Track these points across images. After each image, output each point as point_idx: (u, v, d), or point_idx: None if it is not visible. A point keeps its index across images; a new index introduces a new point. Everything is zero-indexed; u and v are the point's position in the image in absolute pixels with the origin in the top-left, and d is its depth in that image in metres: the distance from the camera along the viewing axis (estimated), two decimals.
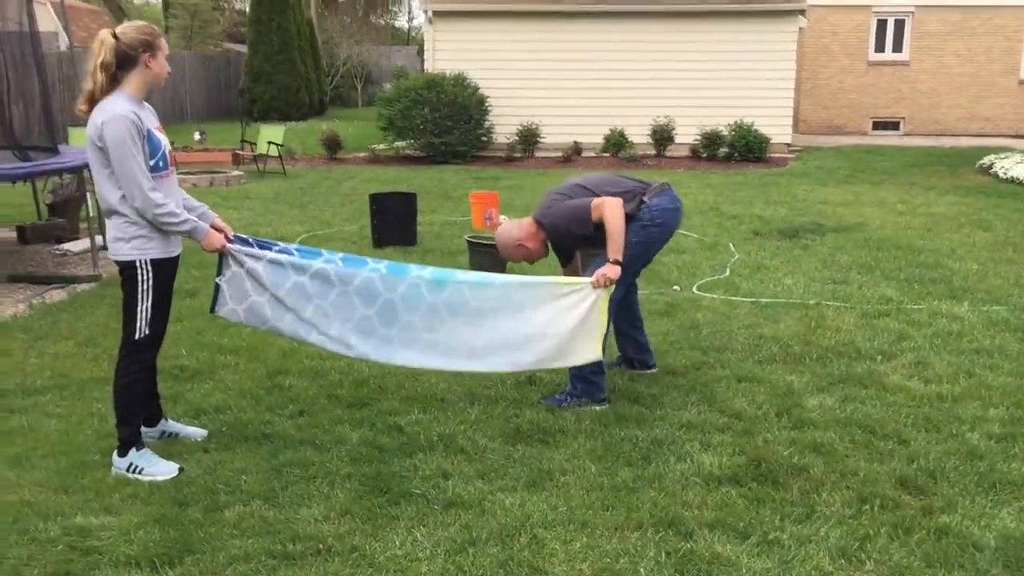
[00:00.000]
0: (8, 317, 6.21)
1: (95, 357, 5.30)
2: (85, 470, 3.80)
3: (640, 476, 3.76)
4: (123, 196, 3.65)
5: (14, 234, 9.16)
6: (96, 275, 7.33)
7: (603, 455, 3.98)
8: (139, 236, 3.70)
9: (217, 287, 4.05)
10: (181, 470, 3.77)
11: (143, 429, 4.10)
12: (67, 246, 8.54)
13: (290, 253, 4.16)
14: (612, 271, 4.28)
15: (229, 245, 3.97)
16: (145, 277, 3.73)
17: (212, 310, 4.13)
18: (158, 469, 3.76)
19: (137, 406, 3.88)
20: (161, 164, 3.72)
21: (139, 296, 3.74)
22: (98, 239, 7.77)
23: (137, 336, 3.77)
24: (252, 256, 4.04)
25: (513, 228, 4.66)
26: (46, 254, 8.41)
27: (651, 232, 4.57)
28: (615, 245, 4.31)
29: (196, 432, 4.19)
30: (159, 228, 3.71)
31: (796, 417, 4.40)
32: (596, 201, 4.40)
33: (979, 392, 4.73)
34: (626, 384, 4.86)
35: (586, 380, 4.51)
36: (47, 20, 20.12)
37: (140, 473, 3.75)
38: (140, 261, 3.72)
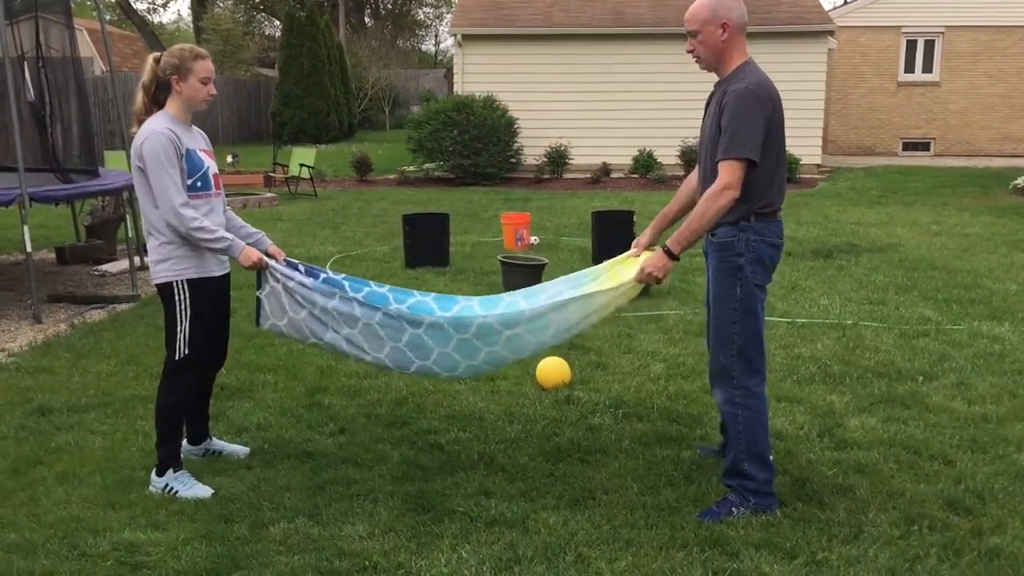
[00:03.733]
0: (51, 336, 6.30)
1: (137, 375, 5.36)
2: (131, 486, 3.84)
3: (683, 496, 3.74)
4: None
5: (53, 255, 9.31)
6: (135, 295, 7.42)
7: (645, 474, 3.96)
8: (175, 257, 3.74)
9: (258, 300, 4.05)
10: (214, 494, 3.77)
11: (188, 447, 4.16)
12: (105, 267, 8.67)
13: (340, 287, 4.02)
14: (660, 265, 3.55)
15: (269, 261, 3.90)
16: (182, 298, 3.77)
17: (257, 324, 4.15)
18: (192, 492, 3.77)
19: (177, 427, 3.91)
20: (201, 184, 3.77)
21: (178, 317, 3.78)
22: (136, 260, 7.89)
23: (177, 356, 3.81)
24: (291, 278, 3.95)
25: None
26: (85, 275, 8.53)
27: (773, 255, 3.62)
28: (685, 233, 3.48)
29: (239, 450, 4.23)
30: (196, 247, 3.75)
31: (839, 437, 4.36)
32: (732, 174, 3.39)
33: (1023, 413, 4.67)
34: (665, 404, 4.85)
35: (762, 493, 3.58)
36: (83, 45, 20.50)
37: (174, 495, 3.77)
38: (177, 282, 3.76)
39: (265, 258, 3.89)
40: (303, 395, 5.03)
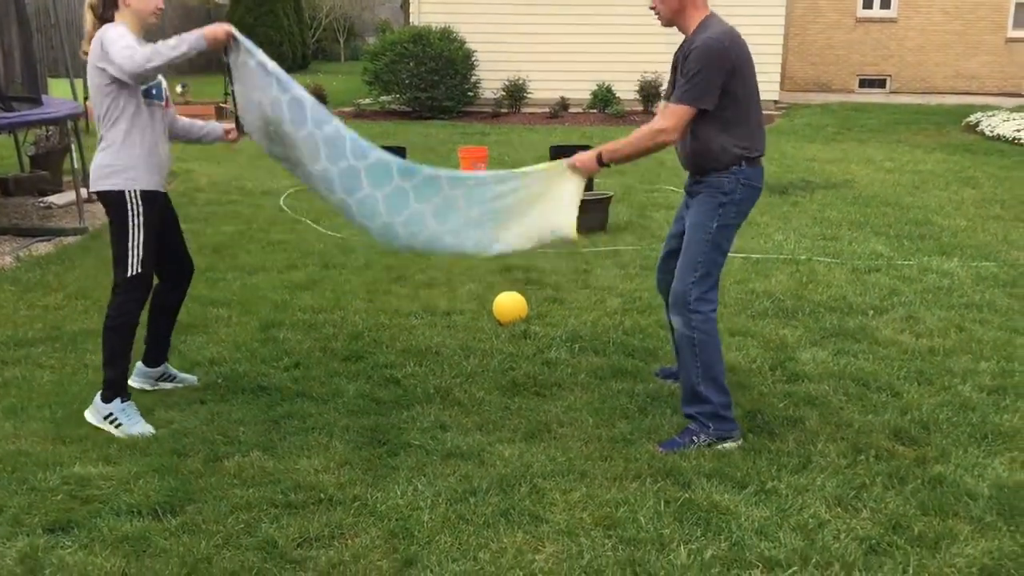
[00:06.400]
0: None
1: (85, 309, 5.26)
2: (81, 421, 3.78)
3: (637, 428, 3.79)
4: (120, 114, 3.60)
5: None
6: (82, 228, 7.25)
7: (600, 408, 4.00)
8: (130, 167, 3.65)
9: (228, 66, 3.77)
10: (156, 433, 3.69)
11: (145, 369, 4.10)
12: (51, 199, 8.44)
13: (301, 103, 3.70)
14: (587, 161, 3.69)
15: (232, 31, 3.61)
16: (136, 210, 3.66)
17: (241, 131, 4.03)
18: (136, 428, 3.69)
19: (127, 348, 3.78)
20: (155, 93, 3.72)
21: (131, 230, 3.66)
22: (83, 192, 7.69)
23: (130, 273, 3.68)
24: (251, 51, 3.66)
25: None
26: (30, 207, 8.31)
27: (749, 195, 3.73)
28: (619, 148, 3.66)
29: (190, 378, 4.21)
30: (148, 158, 3.66)
31: (790, 370, 4.43)
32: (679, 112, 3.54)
33: (970, 346, 4.78)
34: (621, 338, 4.88)
35: (719, 417, 3.67)
36: None
37: (116, 427, 3.69)
38: (130, 193, 3.65)
39: (228, 28, 3.60)
40: (257, 329, 4.97)
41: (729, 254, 3.86)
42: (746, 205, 3.70)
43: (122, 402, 3.76)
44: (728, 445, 3.62)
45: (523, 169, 3.83)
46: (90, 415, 3.77)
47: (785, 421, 3.85)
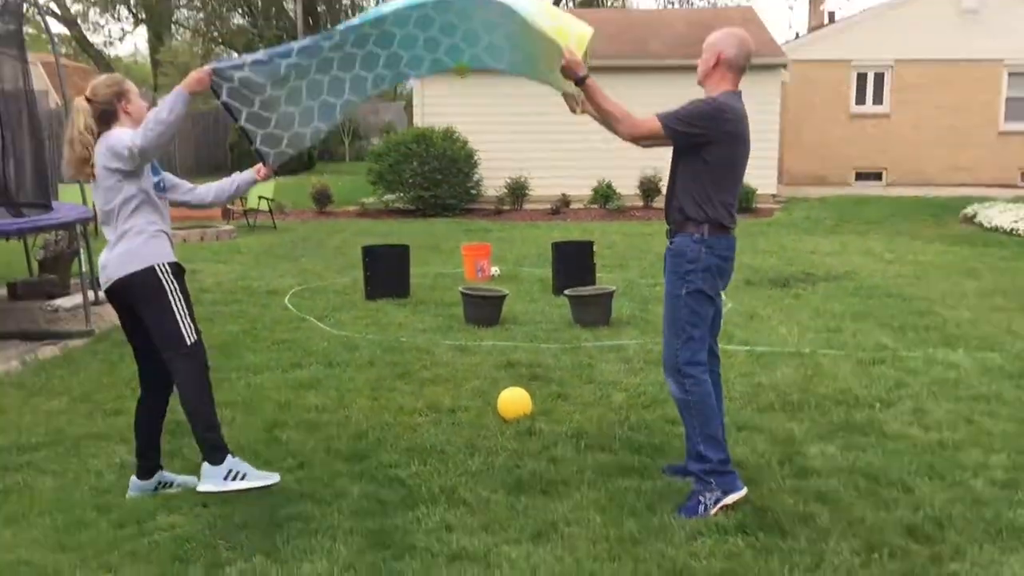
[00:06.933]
0: (0, 374, 6.15)
1: (89, 413, 5.25)
2: (82, 528, 3.73)
3: (646, 527, 3.73)
4: (136, 205, 3.72)
5: (4, 291, 9.11)
6: (88, 331, 7.28)
7: (607, 506, 3.95)
8: (152, 246, 3.76)
9: (226, 105, 3.94)
10: (172, 532, 3.66)
11: (137, 482, 4.07)
12: (58, 302, 8.49)
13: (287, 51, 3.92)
14: (575, 63, 3.77)
15: (209, 67, 3.79)
16: (170, 281, 3.76)
17: (267, 163, 4.21)
18: (260, 480, 3.72)
19: (213, 410, 3.83)
20: (161, 186, 3.91)
21: (172, 302, 3.74)
22: (90, 294, 7.75)
23: (188, 341, 3.74)
24: (236, 67, 3.86)
25: None
26: (37, 310, 8.35)
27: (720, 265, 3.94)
28: (602, 94, 3.85)
29: (190, 480, 4.16)
30: (162, 235, 3.80)
31: (799, 465, 4.38)
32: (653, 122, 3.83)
33: (979, 439, 4.73)
34: (626, 434, 4.84)
35: (718, 473, 3.85)
36: (37, 79, 20.24)
37: (243, 479, 3.70)
38: (159, 266, 3.75)
39: (203, 68, 3.78)
40: (261, 430, 4.95)
41: (733, 347, 3.91)
42: (714, 272, 3.88)
43: (232, 457, 3.76)
44: (732, 498, 3.83)
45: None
46: (208, 486, 3.74)
47: (796, 518, 3.79)
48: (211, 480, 3.75)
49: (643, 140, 3.90)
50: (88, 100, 3.80)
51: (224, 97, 3.90)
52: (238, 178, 4.27)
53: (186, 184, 4.19)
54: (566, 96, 4.16)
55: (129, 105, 3.84)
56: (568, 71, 3.82)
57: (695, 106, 3.84)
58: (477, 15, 4.02)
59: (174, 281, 3.78)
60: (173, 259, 3.86)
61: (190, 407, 3.79)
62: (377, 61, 4.17)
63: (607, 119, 3.95)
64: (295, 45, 3.92)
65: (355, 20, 4.00)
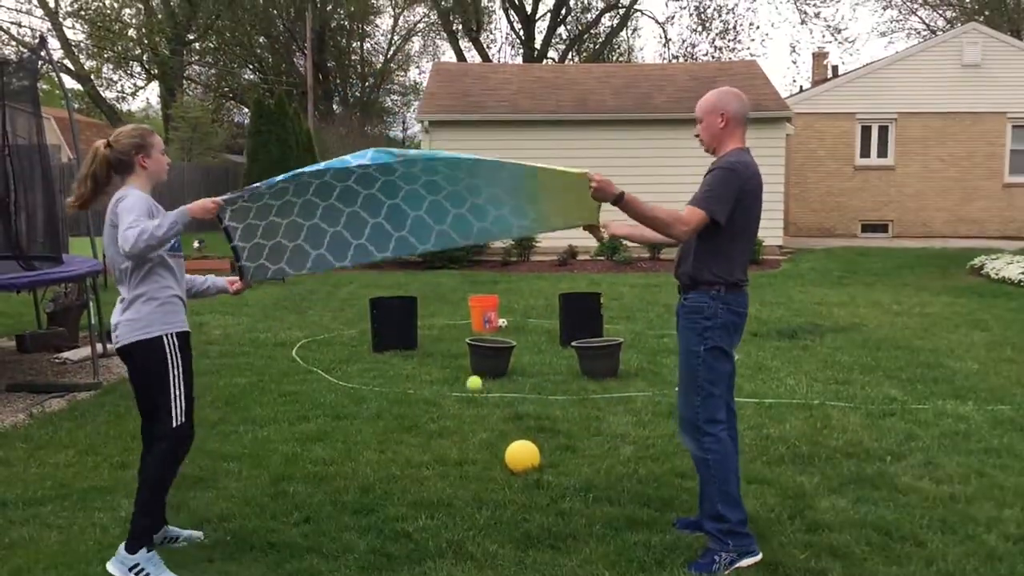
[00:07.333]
0: (8, 427, 6.15)
1: (95, 466, 5.23)
2: None
3: None
4: (149, 268, 3.71)
5: (13, 343, 9.15)
6: (96, 383, 7.29)
7: (616, 560, 3.90)
8: (163, 313, 3.73)
9: (235, 252, 3.99)
10: None
11: None
12: (67, 355, 8.52)
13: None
14: (606, 184, 3.72)
15: (218, 199, 3.74)
16: (175, 355, 3.73)
17: (244, 278, 4.28)
18: None
19: (161, 500, 3.82)
20: (176, 245, 3.87)
21: (171, 379, 3.71)
22: (98, 347, 7.77)
23: (175, 423, 3.72)
24: (240, 195, 3.88)
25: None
26: (45, 363, 8.38)
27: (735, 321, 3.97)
28: (640, 207, 3.73)
29: (195, 534, 4.14)
30: (176, 302, 3.79)
31: (810, 519, 4.34)
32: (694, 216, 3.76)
33: (992, 492, 4.68)
34: (635, 487, 4.80)
35: (736, 534, 3.84)
36: (50, 133, 20.51)
37: None
38: (167, 337, 3.73)
39: (214, 199, 3.73)
40: (267, 483, 4.92)
41: (742, 399, 3.90)
42: (730, 329, 3.91)
43: (148, 551, 3.71)
44: (747, 562, 3.77)
45: (541, 166, 4.08)
46: (113, 567, 3.71)
47: (808, 573, 3.75)
48: (117, 565, 3.72)
49: (694, 233, 3.79)
50: (108, 146, 3.80)
51: (227, 222, 3.99)
52: (210, 280, 4.29)
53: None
54: (589, 228, 4.27)
55: (147, 160, 3.81)
56: (600, 193, 3.73)
57: (720, 178, 3.77)
58: (487, 189, 4.31)
59: (179, 355, 3.76)
60: (183, 328, 3.84)
61: (147, 483, 3.77)
62: (380, 209, 4.38)
63: (654, 226, 3.80)
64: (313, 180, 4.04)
65: (367, 159, 3.96)
